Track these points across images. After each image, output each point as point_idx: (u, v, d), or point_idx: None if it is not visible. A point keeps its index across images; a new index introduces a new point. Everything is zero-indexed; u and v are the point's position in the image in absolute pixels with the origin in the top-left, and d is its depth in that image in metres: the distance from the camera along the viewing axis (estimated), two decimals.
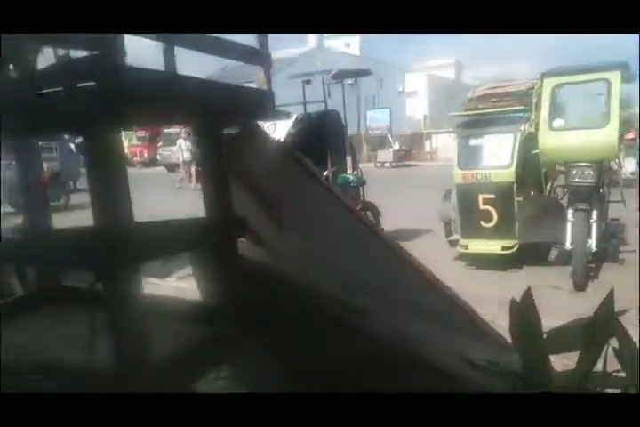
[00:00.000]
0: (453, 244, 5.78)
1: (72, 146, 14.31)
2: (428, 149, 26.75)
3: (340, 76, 6.00)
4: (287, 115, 2.40)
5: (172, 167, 22.64)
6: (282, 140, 5.55)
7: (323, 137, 5.85)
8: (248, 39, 1.80)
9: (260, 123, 2.15)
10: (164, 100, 1.34)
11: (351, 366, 1.58)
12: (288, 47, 31.86)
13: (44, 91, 1.35)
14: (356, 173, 6.16)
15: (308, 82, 6.03)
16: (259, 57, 1.85)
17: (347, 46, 38.08)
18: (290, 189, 1.94)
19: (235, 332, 1.74)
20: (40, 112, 1.33)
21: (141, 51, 1.83)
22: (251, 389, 2.24)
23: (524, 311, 0.78)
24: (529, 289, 0.83)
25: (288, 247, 2.03)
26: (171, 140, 22.87)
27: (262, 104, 1.85)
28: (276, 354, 1.86)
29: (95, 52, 1.23)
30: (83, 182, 11.71)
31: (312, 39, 33.71)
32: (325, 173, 5.68)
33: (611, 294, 0.83)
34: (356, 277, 1.76)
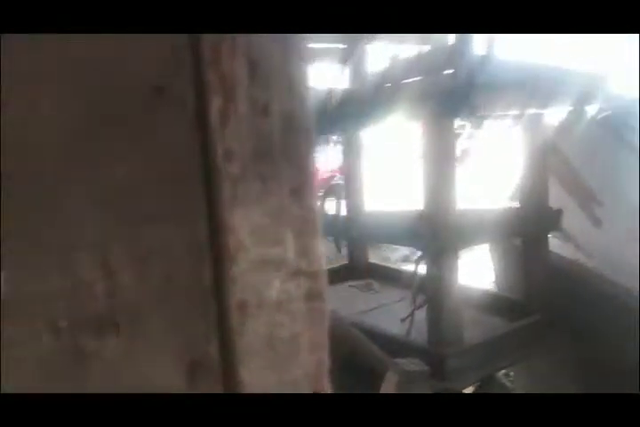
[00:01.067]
0: None
1: None
2: None
3: None
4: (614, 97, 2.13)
5: None
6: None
7: (633, 127, 5.06)
8: None
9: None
10: (509, 86, 1.35)
11: None
12: None
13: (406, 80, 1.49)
14: None
15: None
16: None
17: None
18: (618, 182, 1.75)
19: (541, 327, 1.68)
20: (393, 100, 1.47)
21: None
22: (542, 385, 2.14)
23: None
24: None
25: (603, 245, 1.84)
26: None
27: (594, 88, 1.72)
28: (580, 353, 1.72)
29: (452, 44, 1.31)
30: None
31: None
32: None
33: None
34: None
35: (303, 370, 0.31)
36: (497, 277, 2.15)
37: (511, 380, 2.33)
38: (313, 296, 0.29)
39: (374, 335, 1.49)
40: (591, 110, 5.20)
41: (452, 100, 1.30)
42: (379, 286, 2.04)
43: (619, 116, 5.53)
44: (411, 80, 1.40)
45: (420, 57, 1.60)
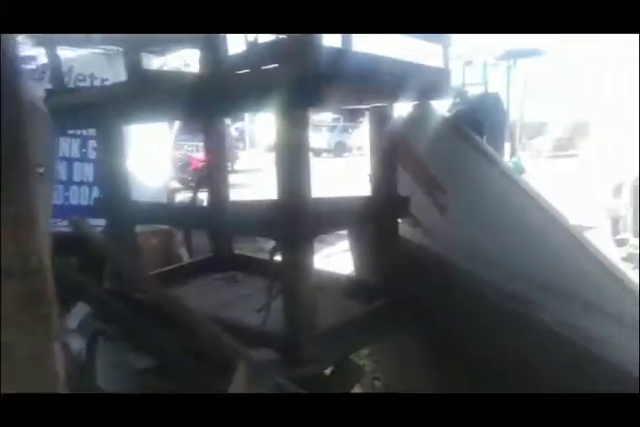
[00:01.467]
0: (621, 243, 5.21)
1: (232, 130, 15.44)
2: (593, 138, 24.12)
3: (509, 56, 5.64)
4: (464, 93, 2.33)
5: (318, 152, 23.34)
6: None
7: (479, 121, 5.59)
8: None
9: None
10: (353, 78, 1.39)
11: (508, 356, 1.54)
12: None
13: (238, 72, 1.48)
14: (514, 159, 5.82)
15: (469, 63, 5.77)
16: (440, 36, 1.84)
17: None
18: (458, 171, 1.90)
19: (392, 310, 1.78)
20: (231, 93, 1.45)
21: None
22: (396, 370, 2.28)
23: None
24: None
25: (449, 231, 2.00)
26: (318, 127, 23.55)
27: (440, 82, 1.84)
28: (429, 336, 1.87)
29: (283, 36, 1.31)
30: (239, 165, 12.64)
31: None
32: None
33: None
34: (525, 265, 1.68)
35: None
36: (354, 262, 2.24)
37: (375, 360, 2.46)
38: (31, 299, 0.26)
39: (231, 327, 1.48)
40: (442, 104, 5.56)
41: (300, 90, 1.31)
42: (243, 278, 2.03)
43: (467, 111, 5.99)
44: (265, 68, 1.39)
45: (273, 44, 1.60)
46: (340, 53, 1.36)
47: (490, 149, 1.81)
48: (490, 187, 1.80)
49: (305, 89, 1.29)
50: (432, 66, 1.85)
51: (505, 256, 1.69)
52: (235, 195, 2.36)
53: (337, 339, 1.57)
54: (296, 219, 1.37)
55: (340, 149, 18.75)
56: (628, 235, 5.11)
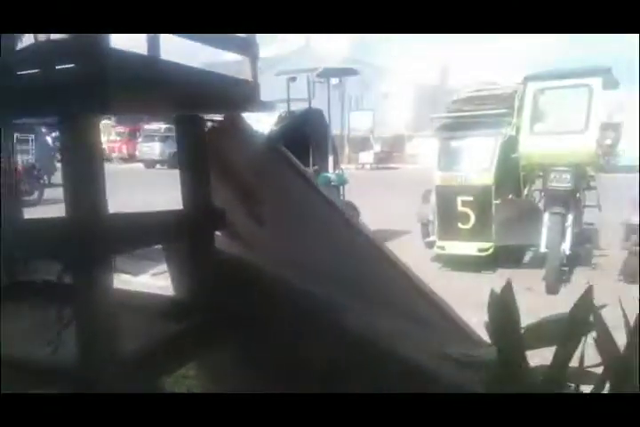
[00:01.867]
0: (430, 245, 5.81)
1: (48, 139, 14.00)
2: (409, 151, 26.89)
3: (326, 74, 5.98)
4: (272, 106, 2.38)
5: (151, 164, 22.47)
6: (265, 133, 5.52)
7: (305, 135, 5.83)
8: None
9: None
10: (146, 85, 1.30)
11: (323, 361, 1.57)
12: (276, 46, 31.76)
13: (21, 72, 1.30)
14: (337, 172, 6.15)
15: (293, 79, 5.99)
16: (245, 46, 1.83)
17: (335, 47, 38.10)
18: (272, 183, 1.92)
19: (207, 327, 1.71)
20: (15, 96, 1.28)
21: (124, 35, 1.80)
22: (220, 387, 2.21)
23: (503, 304, 0.77)
24: (509, 283, 0.82)
25: (267, 242, 2.01)
26: (151, 137, 22.73)
27: (247, 95, 1.83)
28: (249, 349, 1.83)
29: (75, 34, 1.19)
30: (58, 177, 11.47)
31: (300, 38, 33.65)
32: None
33: (590, 289, 0.83)
34: (335, 273, 1.74)
35: None
36: (171, 279, 2.13)
37: (191, 380, 2.35)
38: None
39: (17, 365, 1.28)
40: (268, 117, 5.64)
41: (85, 94, 1.18)
42: (31, 307, 1.78)
43: (292, 125, 6.18)
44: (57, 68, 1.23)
45: (58, 43, 1.44)
46: (134, 58, 1.27)
47: (298, 163, 1.85)
48: (299, 199, 1.84)
49: (90, 93, 1.17)
50: (239, 78, 1.84)
51: (316, 265, 1.74)
52: (47, 211, 2.07)
53: (146, 364, 1.45)
54: (86, 237, 1.23)
55: (175, 160, 18.11)
56: (436, 237, 5.71)
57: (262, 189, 1.91)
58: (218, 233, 1.97)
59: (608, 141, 5.58)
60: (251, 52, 1.84)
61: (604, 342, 0.75)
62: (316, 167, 5.72)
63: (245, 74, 1.87)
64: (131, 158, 25.41)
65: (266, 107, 1.99)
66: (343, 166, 9.97)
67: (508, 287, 0.78)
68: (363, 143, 24.32)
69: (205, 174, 1.76)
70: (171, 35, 1.48)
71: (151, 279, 4.71)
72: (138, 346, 1.44)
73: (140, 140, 24.32)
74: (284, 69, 7.12)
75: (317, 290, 1.68)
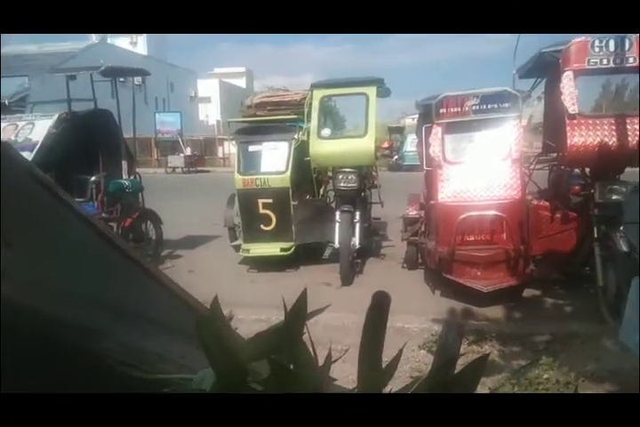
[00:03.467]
0: (237, 248, 5.83)
1: None
2: (220, 154, 26.81)
3: (111, 73, 5.55)
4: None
5: None
6: (38, 142, 4.92)
7: (92, 138, 5.36)
8: None
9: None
10: None
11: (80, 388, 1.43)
12: (69, 40, 28.84)
13: None
14: (132, 177, 5.79)
15: (72, 77, 5.45)
16: None
17: (133, 45, 36.05)
18: (22, 205, 1.68)
19: None
20: None
21: None
22: None
23: (213, 326, 0.75)
24: (216, 297, 0.79)
25: (19, 269, 1.76)
26: None
27: None
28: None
29: None
30: None
31: (95, 34, 31.05)
32: (94, 179, 5.21)
33: (303, 294, 0.84)
34: (94, 296, 1.60)
35: None
36: None
37: None
38: None
39: None
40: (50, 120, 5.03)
41: None
42: None
43: (76, 128, 5.60)
44: None
45: None
46: None
47: (52, 182, 1.65)
48: (47, 215, 1.65)
49: None
50: None
51: (75, 289, 1.57)
52: None
53: None
54: None
55: None
56: (241, 241, 5.75)
57: (9, 210, 1.67)
58: None
59: (385, 144, 6.22)
60: None
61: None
62: (105, 173, 5.29)
63: None
64: None
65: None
66: (153, 170, 9.47)
67: (215, 302, 0.76)
68: (173, 146, 23.50)
69: None
70: None
71: None
72: None
73: None
74: (62, 67, 6.49)
75: (71, 315, 1.52)
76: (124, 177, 5.61)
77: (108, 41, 32.19)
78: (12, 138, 5.07)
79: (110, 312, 1.63)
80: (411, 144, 16.07)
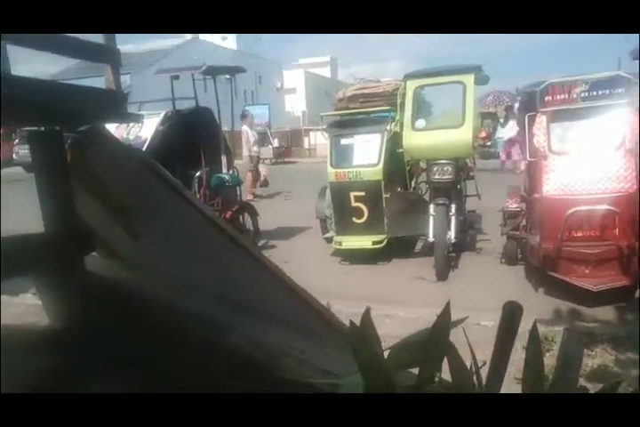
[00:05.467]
0: (329, 241, 5.91)
1: None
2: (306, 145, 27.15)
3: (211, 72, 5.80)
4: (139, 117, 2.26)
5: (31, 167, 20.67)
6: (147, 139, 5.27)
7: (194, 135, 5.65)
8: (94, 35, 1.66)
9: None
10: None
11: (211, 383, 1.53)
12: (162, 39, 30.49)
13: None
14: (231, 172, 6.04)
15: (176, 77, 5.76)
16: (105, 54, 1.72)
17: (223, 40, 37.31)
18: (144, 197, 1.82)
19: (87, 359, 1.60)
20: None
21: None
22: None
23: (363, 333, 0.78)
24: (367, 311, 0.82)
25: (144, 260, 1.91)
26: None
27: (110, 105, 1.72)
28: (134, 378, 1.74)
29: None
30: None
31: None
32: (198, 174, 5.49)
33: (447, 309, 0.85)
34: (216, 289, 1.70)
35: None
36: (45, 309, 1.96)
37: None
38: None
39: None
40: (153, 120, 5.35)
41: None
42: None
43: (180, 125, 5.90)
44: None
45: None
46: None
47: (168, 174, 1.78)
48: (172, 212, 1.77)
49: None
50: (101, 88, 1.72)
51: (197, 282, 1.68)
52: None
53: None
54: None
55: None
56: (333, 233, 5.83)
57: (134, 203, 1.82)
58: (94, 254, 1.85)
59: (483, 134, 5.99)
60: (111, 59, 1.73)
61: (454, 368, 0.78)
62: (208, 168, 5.56)
63: (108, 82, 1.76)
64: (7, 163, 23.19)
65: (131, 117, 1.88)
66: (242, 162, 9.82)
67: (366, 316, 0.79)
68: (261, 138, 24.17)
69: (65, 194, 1.63)
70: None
71: (34, 299, 4.34)
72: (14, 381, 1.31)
73: (16, 141, 22.25)
74: (165, 68, 6.84)
75: (199, 308, 1.63)
76: (224, 171, 5.87)
77: (200, 37, 33.55)
78: (125, 135, 5.46)
79: (234, 306, 1.71)
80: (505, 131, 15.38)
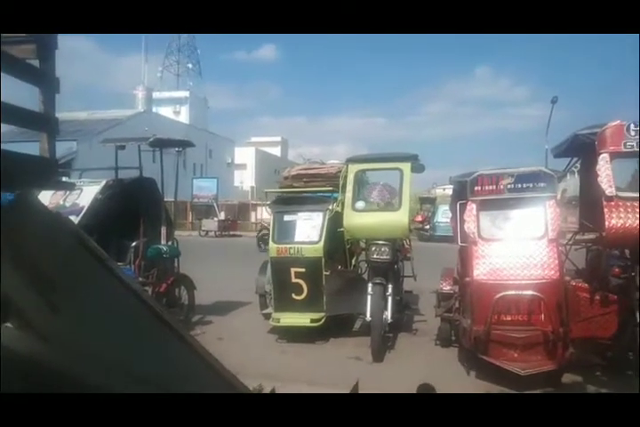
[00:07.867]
0: (267, 317, 5.79)
1: None
2: (253, 219, 27.29)
3: (159, 144, 5.89)
4: (71, 185, 2.25)
5: None
6: (85, 206, 5.17)
7: (135, 205, 5.60)
8: (34, 102, 1.69)
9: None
10: None
11: None
12: (115, 108, 30.89)
13: None
14: (171, 243, 5.94)
15: (121, 148, 5.80)
16: (42, 122, 1.73)
17: (176, 114, 38.24)
18: (66, 268, 1.77)
19: None
20: None
21: None
22: None
23: None
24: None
25: (63, 333, 1.81)
26: None
27: (41, 173, 1.72)
28: None
29: None
30: None
31: (141, 102, 33.19)
32: (134, 244, 5.37)
33: (355, 389, 0.86)
34: (136, 365, 1.63)
35: None
36: None
37: None
38: None
39: None
40: (94, 189, 5.25)
41: None
42: None
43: (122, 194, 5.83)
44: None
45: None
46: None
47: (97, 247, 1.75)
48: (98, 286, 1.72)
49: None
50: (36, 155, 1.73)
51: (110, 357, 1.61)
52: None
53: None
54: None
55: None
56: (271, 309, 5.72)
57: (55, 274, 1.76)
58: (6, 324, 1.75)
59: (419, 218, 6.27)
60: (47, 127, 1.75)
61: None
62: (145, 239, 5.46)
63: (42, 150, 1.77)
64: None
65: (64, 186, 1.88)
66: (187, 233, 9.70)
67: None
68: (207, 210, 24.14)
69: None
70: None
71: None
72: None
73: None
74: (111, 138, 6.90)
75: (107, 384, 1.54)
76: (162, 242, 5.77)
77: (153, 110, 34.28)
78: (61, 202, 5.33)
79: (148, 384, 1.62)
80: (442, 215, 16.09)
